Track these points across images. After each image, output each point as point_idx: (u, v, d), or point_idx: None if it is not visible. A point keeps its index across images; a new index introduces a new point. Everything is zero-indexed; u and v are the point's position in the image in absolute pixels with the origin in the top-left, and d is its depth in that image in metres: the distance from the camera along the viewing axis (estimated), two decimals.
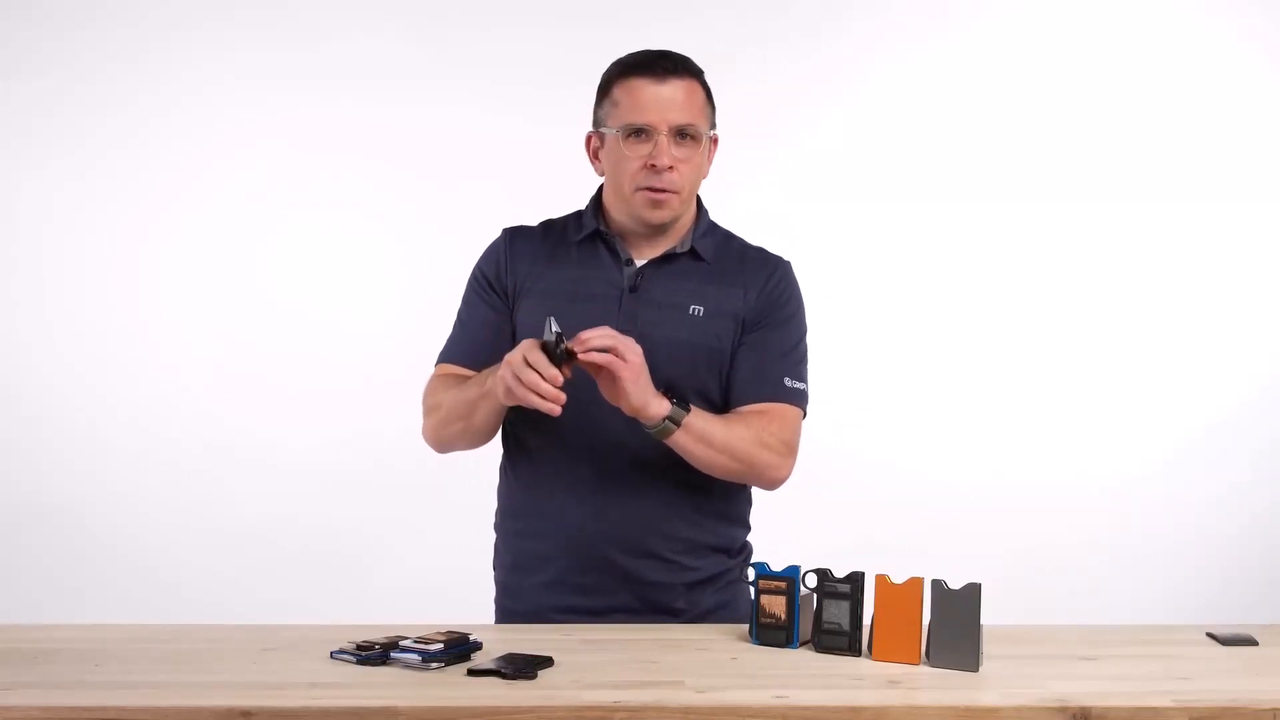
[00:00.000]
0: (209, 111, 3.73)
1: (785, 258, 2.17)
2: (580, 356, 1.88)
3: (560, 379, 1.86)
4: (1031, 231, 3.79)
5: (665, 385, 1.97)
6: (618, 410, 1.94)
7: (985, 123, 3.79)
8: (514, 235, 2.18)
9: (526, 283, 2.12)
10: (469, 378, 2.09)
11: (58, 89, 3.73)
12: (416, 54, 3.73)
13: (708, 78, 2.12)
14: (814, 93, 3.78)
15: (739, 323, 2.09)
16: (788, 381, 2.08)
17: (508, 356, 1.90)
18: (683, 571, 2.08)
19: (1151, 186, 3.79)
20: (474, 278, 2.19)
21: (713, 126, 2.11)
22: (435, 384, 2.16)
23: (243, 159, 3.74)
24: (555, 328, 1.86)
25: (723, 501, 2.12)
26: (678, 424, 1.95)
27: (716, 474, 2.04)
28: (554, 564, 2.08)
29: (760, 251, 2.17)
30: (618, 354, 1.88)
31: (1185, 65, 3.78)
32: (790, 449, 2.07)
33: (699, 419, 1.97)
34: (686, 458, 2.00)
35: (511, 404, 1.92)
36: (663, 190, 2.04)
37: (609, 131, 2.07)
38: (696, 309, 2.08)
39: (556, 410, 1.86)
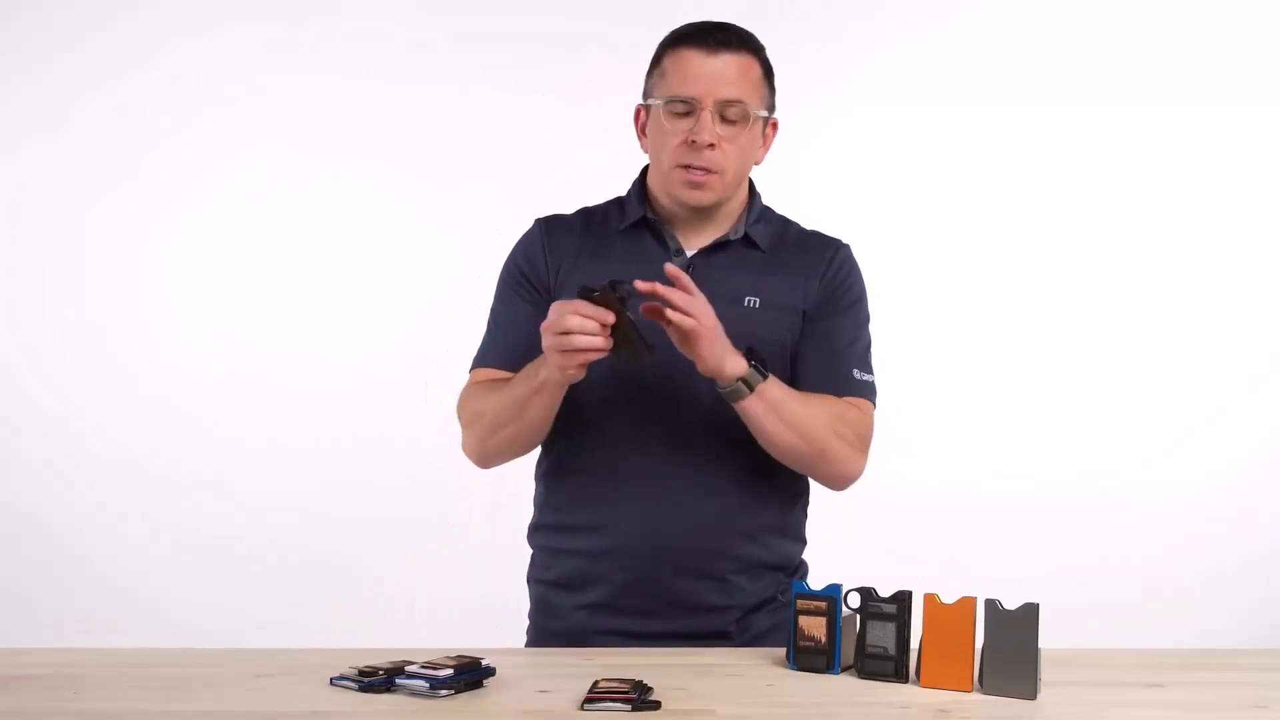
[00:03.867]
0: (209, 111, 3.76)
1: (844, 240, 2.08)
2: (669, 317, 1.76)
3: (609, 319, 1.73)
4: (1057, 236, 3.76)
5: (746, 347, 1.87)
6: (669, 428, 1.92)
7: (986, 124, 3.78)
8: (550, 227, 2.06)
9: (568, 278, 1.99)
10: (509, 379, 1.97)
11: (58, 89, 3.75)
12: (417, 54, 3.76)
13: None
14: (814, 93, 3.75)
15: (800, 314, 1.99)
16: (856, 374, 2.00)
17: (543, 324, 1.78)
18: (738, 594, 1.97)
19: (1158, 187, 3.75)
20: (508, 273, 2.06)
21: (771, 109, 2.00)
22: (473, 392, 2.03)
23: (243, 159, 3.76)
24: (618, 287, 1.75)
25: (781, 515, 2.02)
26: (752, 388, 1.84)
27: (782, 455, 1.92)
28: (602, 583, 1.96)
29: (818, 236, 2.08)
30: (695, 318, 1.78)
31: (1185, 65, 3.76)
32: (864, 444, 1.98)
33: (776, 387, 1.87)
34: (755, 430, 1.89)
35: (569, 378, 1.81)
36: (702, 169, 1.93)
37: (654, 103, 1.96)
38: (752, 300, 1.98)
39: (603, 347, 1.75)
